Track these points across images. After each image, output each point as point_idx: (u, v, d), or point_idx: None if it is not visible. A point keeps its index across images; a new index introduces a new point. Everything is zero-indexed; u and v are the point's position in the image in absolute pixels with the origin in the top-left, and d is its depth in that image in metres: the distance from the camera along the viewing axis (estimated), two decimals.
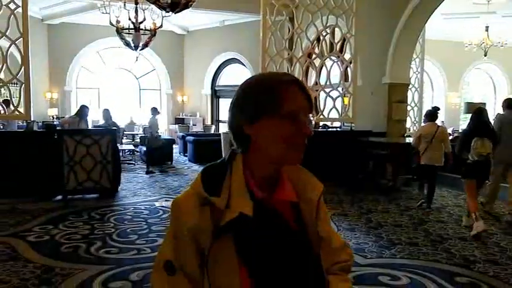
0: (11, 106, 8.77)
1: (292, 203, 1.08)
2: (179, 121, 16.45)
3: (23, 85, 6.59)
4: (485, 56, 11.26)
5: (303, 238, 1.06)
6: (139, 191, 7.32)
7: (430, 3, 8.59)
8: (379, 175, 8.17)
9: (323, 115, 8.49)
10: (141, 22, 9.80)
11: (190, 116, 16.40)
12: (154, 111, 9.87)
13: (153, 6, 9.72)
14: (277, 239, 1.02)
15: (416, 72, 10.22)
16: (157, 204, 6.37)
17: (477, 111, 5.58)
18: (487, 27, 10.94)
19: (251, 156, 1.06)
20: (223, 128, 15.62)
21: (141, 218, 5.53)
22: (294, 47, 8.31)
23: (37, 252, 4.20)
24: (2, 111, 7.55)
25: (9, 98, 7.15)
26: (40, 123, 11.60)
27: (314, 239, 1.09)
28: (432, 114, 6.51)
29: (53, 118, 13.80)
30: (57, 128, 7.12)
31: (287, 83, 1.03)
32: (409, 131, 10.02)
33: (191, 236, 1.00)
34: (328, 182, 8.28)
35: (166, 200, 6.59)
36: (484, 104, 11.73)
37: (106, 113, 8.49)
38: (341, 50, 8.61)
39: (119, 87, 16.26)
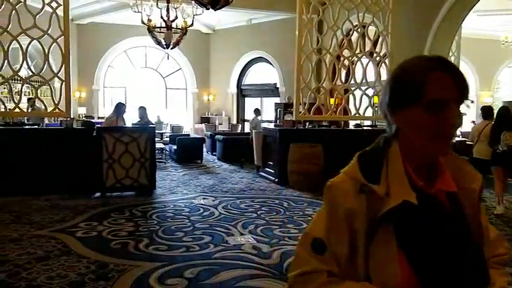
0: (37, 104, 8.94)
1: (449, 192, 1.03)
2: (205, 120, 16.49)
3: (63, 83, 6.66)
4: None
5: (463, 228, 1.02)
6: (175, 189, 7.33)
7: (469, 1, 8.41)
8: None
9: (358, 113, 8.39)
10: (173, 20, 9.84)
11: (216, 115, 16.41)
12: (257, 112, 11.11)
13: (184, 4, 9.80)
14: (440, 228, 0.99)
15: None
16: (195, 202, 6.36)
17: (504, 108, 6.34)
18: None
19: (401, 143, 1.03)
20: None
21: (183, 216, 5.52)
22: (330, 43, 8.26)
23: (88, 247, 4.21)
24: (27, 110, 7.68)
25: (33, 97, 7.25)
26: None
27: (474, 230, 1.05)
28: (485, 112, 6.85)
29: (80, 117, 13.97)
30: (96, 125, 7.15)
31: (430, 68, 0.97)
32: None
33: (346, 219, 0.99)
34: None
35: (204, 198, 6.58)
36: None
37: (142, 111, 8.52)
38: (373, 48, 8.50)
39: (145, 86, 16.38)
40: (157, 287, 3.34)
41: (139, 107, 8.67)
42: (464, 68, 14.56)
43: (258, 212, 5.76)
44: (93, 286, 3.31)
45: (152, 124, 8.22)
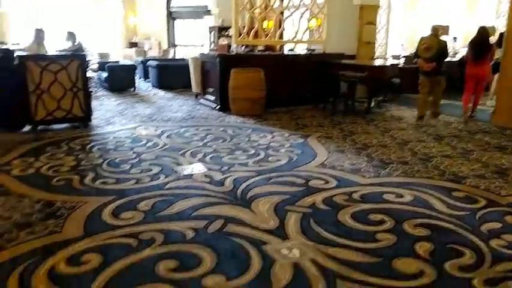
0: None
1: None
2: (133, 45, 15.53)
3: None
4: None
5: None
6: (112, 119, 6.99)
7: None
8: (352, 97, 8.24)
9: (297, 37, 8.30)
10: None
11: (145, 39, 15.49)
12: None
13: None
14: None
15: None
16: (136, 132, 6.12)
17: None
18: None
19: None
20: (181, 52, 14.98)
21: (126, 147, 5.31)
22: None
23: (28, 186, 3.94)
24: None
25: None
26: None
27: None
28: None
29: None
30: (16, 53, 6.42)
31: None
32: (377, 53, 10.08)
33: None
34: (304, 105, 8.20)
35: (145, 128, 6.35)
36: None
37: (71, 36, 7.76)
38: None
39: (60, 8, 14.82)
40: (112, 222, 3.23)
41: (68, 32, 7.88)
42: None
43: (204, 141, 5.68)
44: (43, 226, 3.13)
45: (83, 50, 7.55)
